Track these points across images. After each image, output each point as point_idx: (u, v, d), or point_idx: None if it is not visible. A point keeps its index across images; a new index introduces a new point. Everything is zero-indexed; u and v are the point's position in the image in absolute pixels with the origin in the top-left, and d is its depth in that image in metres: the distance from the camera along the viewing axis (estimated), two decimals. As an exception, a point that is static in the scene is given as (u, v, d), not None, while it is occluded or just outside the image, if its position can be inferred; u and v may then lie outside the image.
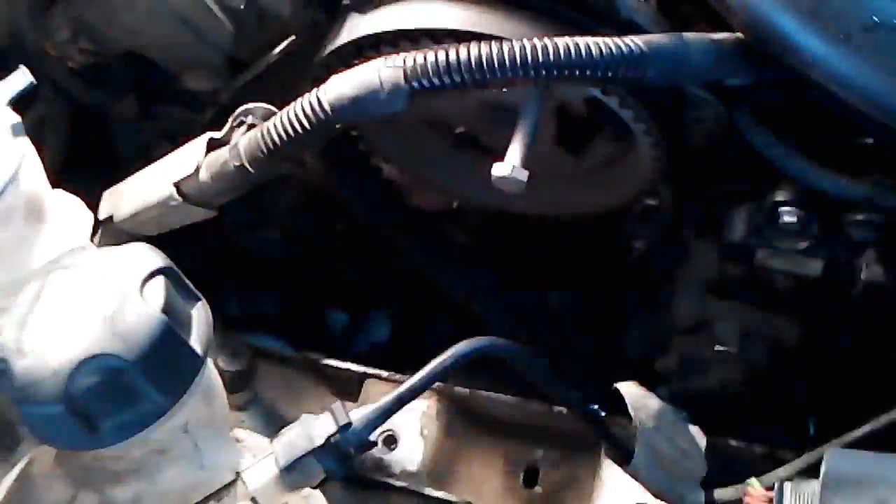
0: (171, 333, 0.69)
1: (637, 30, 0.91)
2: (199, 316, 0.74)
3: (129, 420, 0.69)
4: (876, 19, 0.84)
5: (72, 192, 0.88)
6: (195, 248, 1.08)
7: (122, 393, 0.68)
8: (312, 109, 0.84)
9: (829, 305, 1.13)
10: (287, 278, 1.46)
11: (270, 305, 1.49)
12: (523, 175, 0.90)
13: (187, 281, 0.75)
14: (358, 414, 0.82)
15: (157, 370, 0.68)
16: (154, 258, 0.72)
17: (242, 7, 0.98)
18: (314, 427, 0.82)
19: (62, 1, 1.03)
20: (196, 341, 0.72)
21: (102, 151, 1.21)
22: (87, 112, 1.18)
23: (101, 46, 1.07)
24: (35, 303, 0.69)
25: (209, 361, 0.76)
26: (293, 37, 1.02)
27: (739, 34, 0.89)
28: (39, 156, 0.83)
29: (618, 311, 1.38)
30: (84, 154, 1.20)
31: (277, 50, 1.02)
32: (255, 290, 1.45)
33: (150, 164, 1.02)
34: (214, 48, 1.03)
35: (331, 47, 0.95)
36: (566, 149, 1.09)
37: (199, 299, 0.75)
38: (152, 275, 0.71)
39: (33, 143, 0.81)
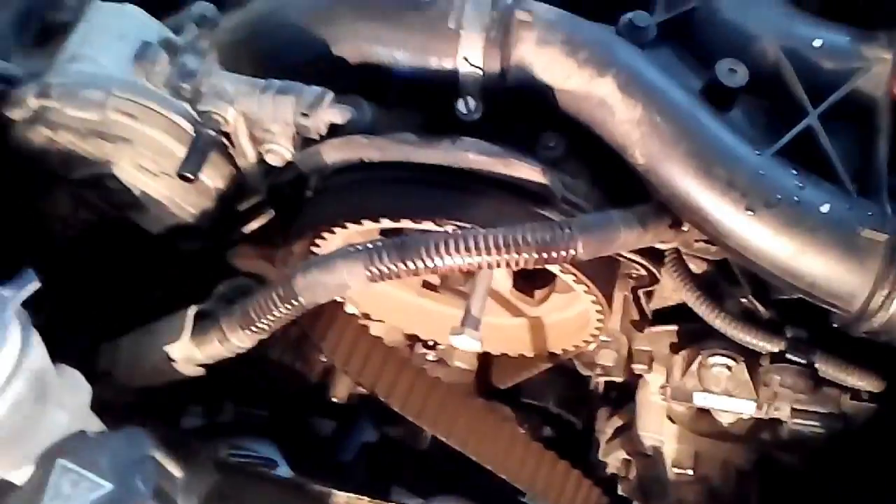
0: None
1: (573, 206, 1.03)
2: (184, 490, 0.84)
3: None
4: (778, 196, 0.96)
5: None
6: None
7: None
8: (285, 294, 0.96)
9: (765, 439, 1.23)
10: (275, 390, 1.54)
11: (261, 412, 1.56)
12: (477, 340, 1.01)
13: (169, 457, 0.85)
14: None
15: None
16: (144, 444, 0.83)
17: (225, 188, 1.11)
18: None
19: (64, 180, 1.16)
20: (182, 515, 0.82)
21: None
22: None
23: (98, 216, 1.19)
24: (39, 491, 0.79)
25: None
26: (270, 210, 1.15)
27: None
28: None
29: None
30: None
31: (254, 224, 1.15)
32: (247, 397, 1.53)
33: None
34: (202, 220, 1.15)
35: (300, 224, 1.08)
36: (524, 295, 1.20)
37: (181, 472, 0.85)
38: (143, 460, 0.81)
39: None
